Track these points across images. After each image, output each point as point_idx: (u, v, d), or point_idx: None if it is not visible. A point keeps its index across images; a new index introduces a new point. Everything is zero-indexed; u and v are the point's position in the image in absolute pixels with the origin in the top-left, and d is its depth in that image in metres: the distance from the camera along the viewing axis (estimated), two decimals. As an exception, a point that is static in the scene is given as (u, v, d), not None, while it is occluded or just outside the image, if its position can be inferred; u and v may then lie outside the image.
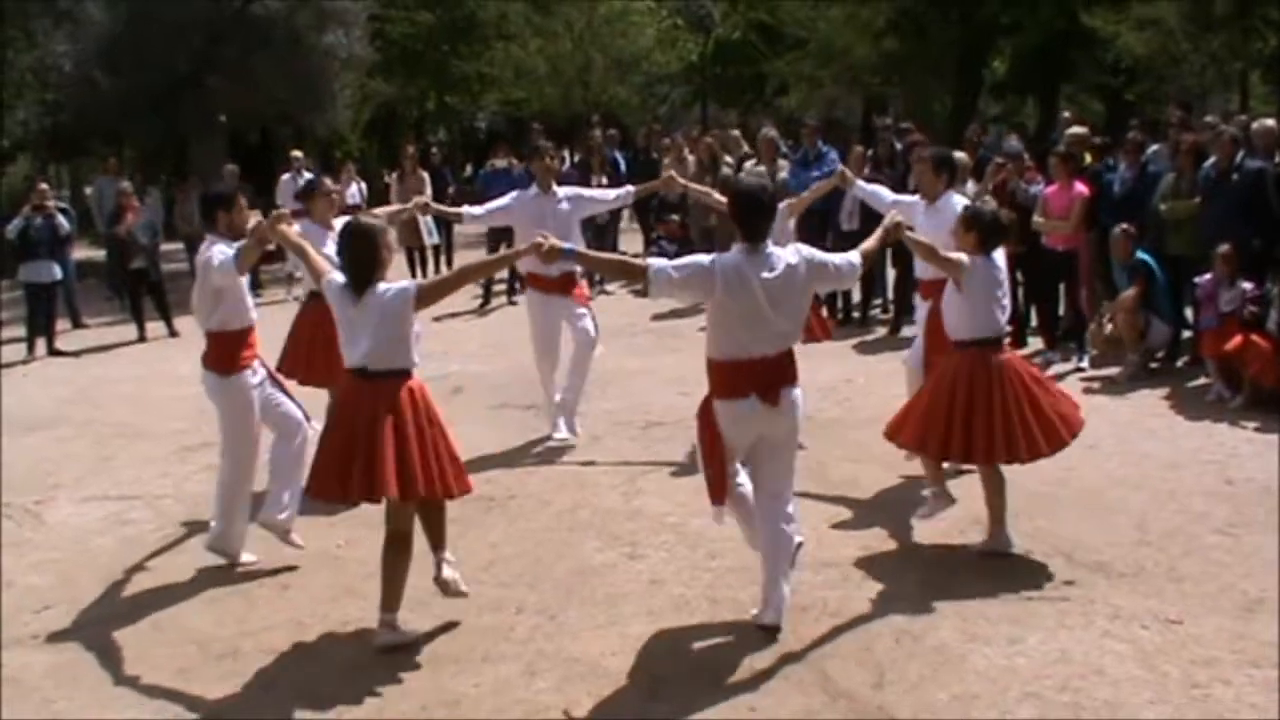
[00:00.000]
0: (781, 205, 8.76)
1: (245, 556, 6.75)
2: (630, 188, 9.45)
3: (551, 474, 8.27)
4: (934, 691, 5.00)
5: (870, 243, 5.95)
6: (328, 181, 9.03)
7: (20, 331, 14.25)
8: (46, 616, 6.25)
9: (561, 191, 8.88)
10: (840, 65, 27.63)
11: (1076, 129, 13.01)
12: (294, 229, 6.51)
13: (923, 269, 7.59)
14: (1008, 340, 6.78)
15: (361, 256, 5.52)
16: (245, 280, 6.63)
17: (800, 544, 5.76)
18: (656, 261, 5.50)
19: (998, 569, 6.23)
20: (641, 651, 5.47)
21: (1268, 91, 28.67)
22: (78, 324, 15.67)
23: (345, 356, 5.59)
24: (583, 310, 8.91)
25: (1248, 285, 9.46)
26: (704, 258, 5.46)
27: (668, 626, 5.74)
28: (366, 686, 5.26)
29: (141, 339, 14.61)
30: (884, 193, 8.54)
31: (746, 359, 5.39)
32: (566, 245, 5.79)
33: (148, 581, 6.68)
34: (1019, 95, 33.97)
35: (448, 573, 5.86)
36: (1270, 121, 10.62)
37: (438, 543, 5.85)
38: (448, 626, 5.84)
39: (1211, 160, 10.28)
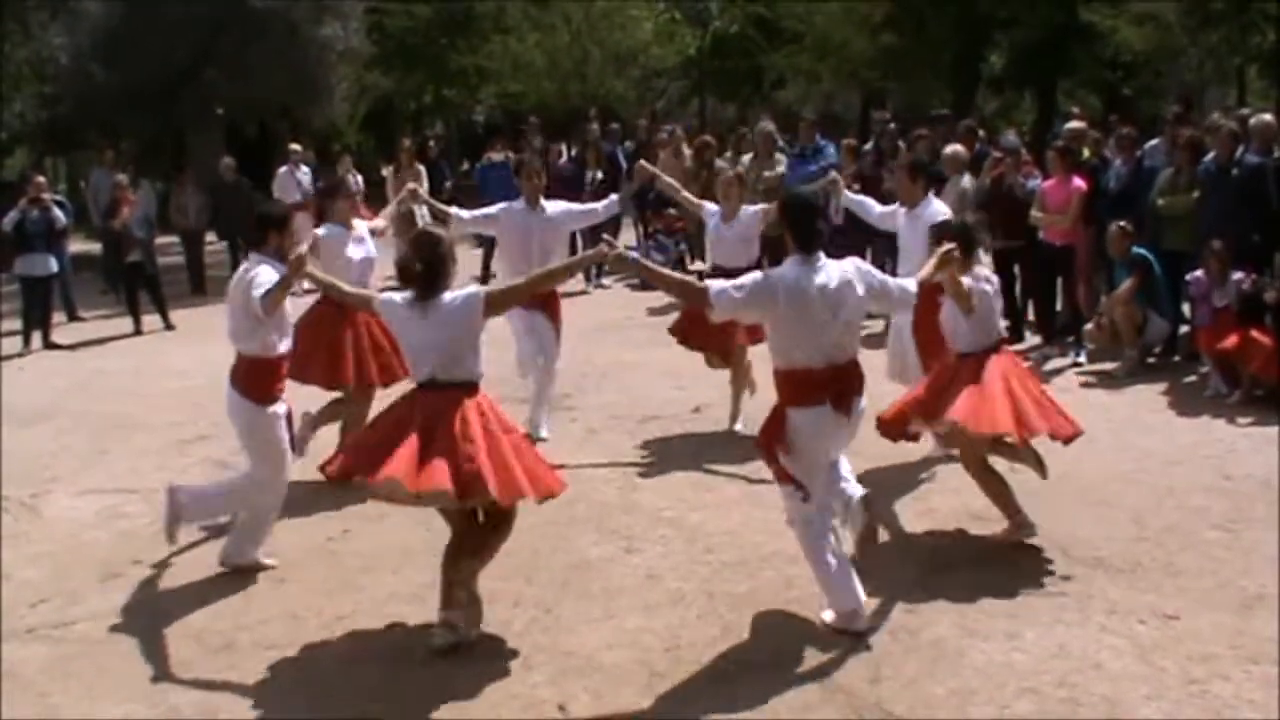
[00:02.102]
0: (754, 209, 8.76)
1: (266, 560, 6.66)
2: (615, 196, 9.36)
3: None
4: (931, 687, 4.99)
5: (926, 271, 5.95)
6: (351, 180, 8.96)
7: (16, 325, 14.21)
8: (42, 610, 6.24)
9: (549, 207, 8.79)
10: (838, 59, 27.63)
11: (1074, 123, 13.02)
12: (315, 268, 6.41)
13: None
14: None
15: (431, 266, 5.43)
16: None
17: (864, 495, 5.67)
18: (716, 284, 5.42)
19: (995, 564, 6.23)
20: (637, 646, 5.47)
21: (1265, 86, 28.66)
22: (74, 317, 15.64)
23: (413, 371, 5.52)
24: (552, 331, 8.78)
25: (1239, 275, 9.47)
26: (761, 274, 5.48)
27: (664, 621, 5.73)
28: (363, 680, 5.26)
29: (137, 332, 14.59)
30: (871, 204, 8.56)
31: (816, 368, 5.37)
32: (632, 255, 5.78)
33: (144, 575, 6.67)
34: (1017, 90, 33.97)
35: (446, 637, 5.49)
36: (1268, 116, 10.61)
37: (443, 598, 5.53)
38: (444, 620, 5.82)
39: (1211, 155, 10.27)
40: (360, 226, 8.06)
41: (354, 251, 7.93)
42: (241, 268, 6.47)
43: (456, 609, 5.45)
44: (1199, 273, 9.76)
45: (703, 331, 8.18)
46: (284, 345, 6.52)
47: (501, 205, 8.93)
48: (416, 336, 5.43)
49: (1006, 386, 6.26)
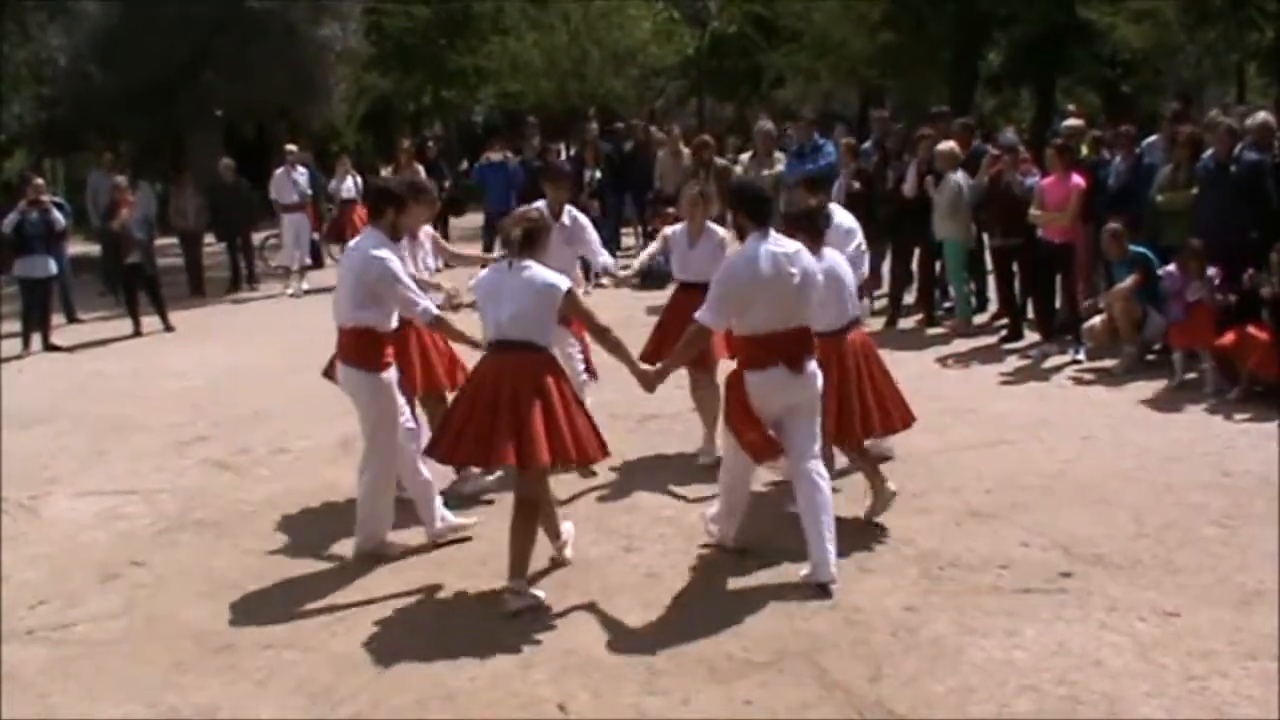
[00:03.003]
0: (720, 232, 8.58)
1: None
2: (612, 262, 8.80)
3: (548, 467, 8.23)
4: (931, 685, 4.99)
5: None
6: (422, 177, 8.63)
7: (15, 326, 14.23)
8: (41, 611, 6.24)
9: (570, 221, 8.35)
10: (836, 58, 27.65)
11: (1073, 121, 13.02)
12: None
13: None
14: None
15: (529, 234, 5.87)
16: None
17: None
18: (698, 314, 5.98)
19: (994, 562, 6.22)
20: (637, 644, 5.46)
21: (1264, 83, 28.67)
22: (73, 319, 15.65)
23: (487, 328, 5.88)
24: (575, 344, 8.49)
25: (1213, 270, 9.49)
26: (719, 275, 6.02)
27: (664, 619, 5.73)
28: (363, 680, 5.25)
29: (137, 334, 14.57)
30: None
31: (771, 332, 5.87)
32: (650, 372, 6.36)
33: (142, 576, 6.66)
34: (1015, 88, 33.99)
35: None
36: (1264, 114, 10.61)
37: (512, 566, 5.95)
38: (444, 619, 5.83)
39: (1210, 152, 10.27)
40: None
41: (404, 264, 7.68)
42: (360, 240, 6.52)
43: (523, 577, 5.88)
44: (1172, 267, 9.79)
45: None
46: (393, 322, 6.57)
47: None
48: (504, 290, 5.78)
49: (841, 389, 6.67)
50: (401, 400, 6.64)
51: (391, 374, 6.53)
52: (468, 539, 6.81)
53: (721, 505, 6.42)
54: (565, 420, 5.72)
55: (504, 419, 5.63)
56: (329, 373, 7.36)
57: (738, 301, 5.88)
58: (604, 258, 8.49)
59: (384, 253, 6.30)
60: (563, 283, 5.84)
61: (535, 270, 5.82)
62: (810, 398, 6.05)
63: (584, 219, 8.44)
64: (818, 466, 6.05)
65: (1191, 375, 9.78)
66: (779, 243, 5.91)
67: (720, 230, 8.30)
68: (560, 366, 6.04)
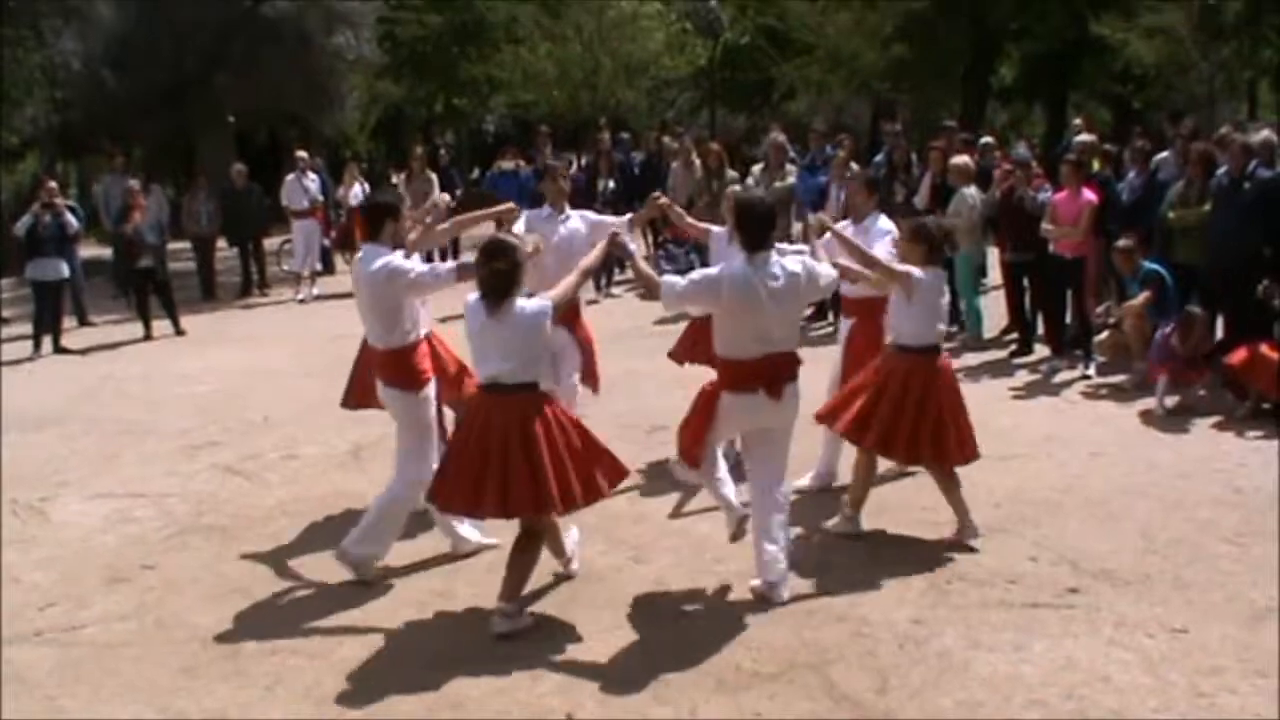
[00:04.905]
0: (721, 231, 8.64)
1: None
2: (629, 217, 9.16)
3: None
4: (938, 698, 4.99)
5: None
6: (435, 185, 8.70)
7: (27, 329, 14.27)
8: (50, 614, 6.26)
9: (573, 214, 8.57)
10: (848, 71, 27.66)
11: (1086, 135, 13.02)
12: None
13: (850, 287, 7.48)
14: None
15: (502, 272, 5.59)
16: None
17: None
18: (669, 279, 5.87)
19: (1002, 576, 6.22)
20: (645, 654, 5.47)
21: (1276, 100, 28.66)
22: (84, 322, 15.71)
23: (479, 369, 5.73)
24: (576, 357, 8.57)
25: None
26: (709, 271, 5.96)
27: (672, 631, 5.73)
28: (370, 686, 5.26)
29: (148, 337, 14.61)
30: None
31: (753, 358, 5.80)
32: (630, 247, 6.31)
33: (152, 580, 6.68)
34: (1026, 102, 34.00)
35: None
36: (1267, 131, 10.61)
37: (506, 589, 5.81)
38: (452, 627, 5.84)
39: (1223, 169, 10.26)
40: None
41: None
42: (359, 260, 6.39)
43: (513, 600, 5.74)
44: (1170, 330, 9.73)
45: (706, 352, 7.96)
46: (420, 330, 6.56)
47: (526, 213, 8.87)
48: (488, 340, 5.61)
49: (922, 410, 6.53)
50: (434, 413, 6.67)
51: (431, 388, 6.55)
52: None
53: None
54: (570, 458, 5.61)
55: (496, 466, 5.53)
56: (348, 403, 7.39)
57: (710, 304, 5.82)
58: (611, 221, 8.61)
59: (380, 260, 6.21)
60: (546, 304, 5.69)
61: (517, 310, 5.61)
62: (786, 422, 6.00)
63: (588, 215, 8.63)
64: (784, 490, 6.10)
65: (1202, 393, 9.76)
66: (775, 265, 5.77)
67: None
68: (553, 400, 5.87)
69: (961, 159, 12.12)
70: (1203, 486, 7.60)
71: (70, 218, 14.45)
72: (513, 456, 5.51)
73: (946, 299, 6.85)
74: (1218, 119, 19.98)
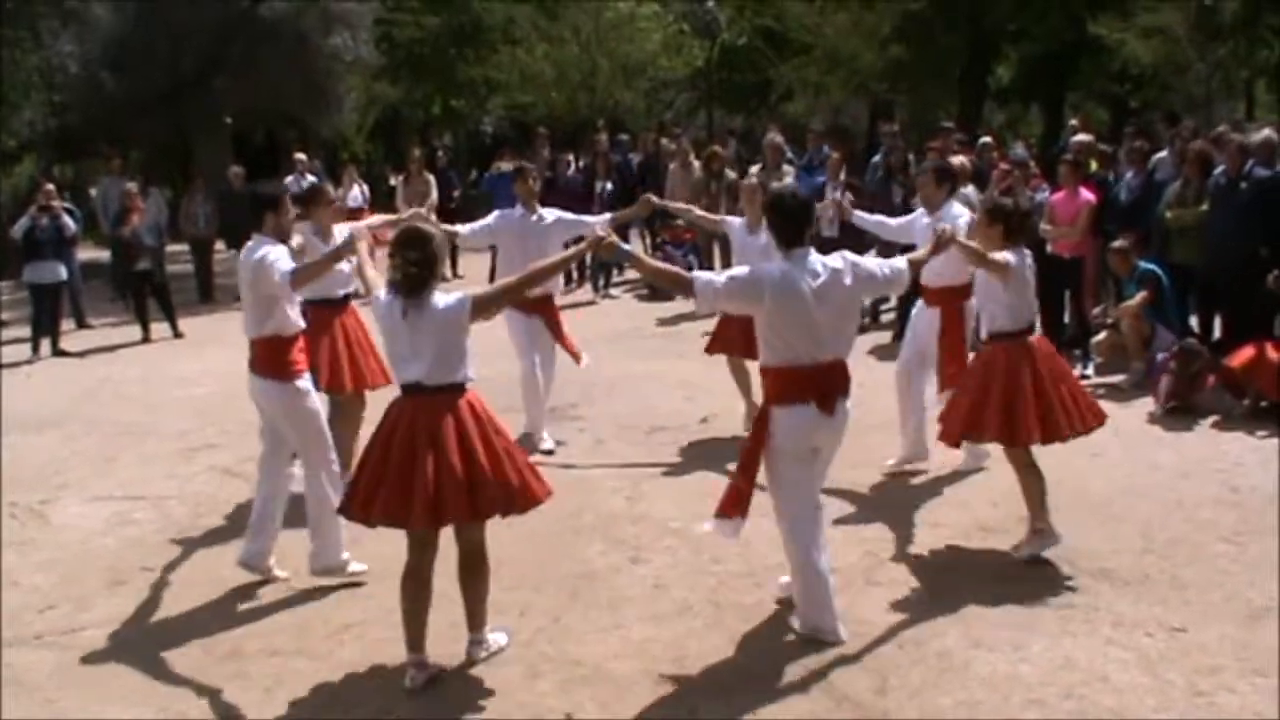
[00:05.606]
0: (737, 221, 8.69)
1: (354, 566, 6.55)
2: (608, 216, 9.31)
3: (555, 478, 8.20)
4: (937, 698, 4.99)
5: (922, 252, 6.23)
6: (330, 189, 8.90)
7: (25, 331, 14.27)
8: (50, 616, 6.26)
9: (546, 213, 8.81)
10: (846, 71, 27.64)
11: (1083, 136, 13.03)
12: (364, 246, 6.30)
13: (931, 276, 7.51)
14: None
15: (417, 265, 5.11)
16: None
17: None
18: (703, 275, 5.52)
19: (1001, 576, 6.22)
20: (644, 656, 5.47)
21: (1273, 100, 28.69)
22: (82, 324, 15.69)
23: (396, 372, 5.30)
24: (549, 337, 8.76)
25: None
26: (749, 269, 5.56)
27: (671, 631, 5.74)
28: (370, 688, 5.27)
29: (146, 340, 14.62)
30: (885, 220, 8.62)
31: (802, 365, 5.38)
32: (625, 247, 5.80)
33: (152, 582, 6.68)
34: (1023, 102, 34.02)
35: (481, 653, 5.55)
36: (1268, 131, 10.62)
37: (473, 619, 5.51)
38: (451, 627, 5.84)
39: (1220, 169, 10.28)
40: (340, 232, 7.81)
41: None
42: (245, 250, 6.35)
43: (421, 651, 5.31)
44: (1169, 356, 9.67)
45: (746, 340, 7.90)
46: (300, 322, 6.49)
47: (497, 213, 8.97)
48: (404, 340, 5.16)
49: (1038, 389, 6.35)
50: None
51: (307, 380, 6.50)
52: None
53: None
54: (490, 467, 5.13)
55: (421, 474, 5.04)
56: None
57: (752, 305, 5.40)
58: (595, 220, 8.75)
59: (259, 252, 6.20)
60: (465, 295, 5.24)
61: (432, 304, 5.14)
62: (835, 444, 5.62)
63: (557, 211, 8.79)
64: (819, 521, 5.64)
65: (1202, 392, 9.76)
66: (815, 262, 5.40)
67: None
68: (478, 402, 5.34)
69: (959, 159, 12.13)
70: (1202, 486, 7.61)
71: (68, 220, 14.44)
72: (444, 460, 5.04)
73: (1033, 283, 6.66)
74: (1215, 119, 19.99)
